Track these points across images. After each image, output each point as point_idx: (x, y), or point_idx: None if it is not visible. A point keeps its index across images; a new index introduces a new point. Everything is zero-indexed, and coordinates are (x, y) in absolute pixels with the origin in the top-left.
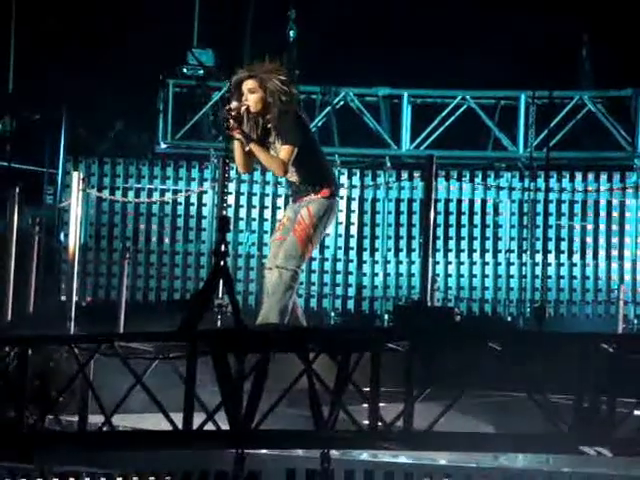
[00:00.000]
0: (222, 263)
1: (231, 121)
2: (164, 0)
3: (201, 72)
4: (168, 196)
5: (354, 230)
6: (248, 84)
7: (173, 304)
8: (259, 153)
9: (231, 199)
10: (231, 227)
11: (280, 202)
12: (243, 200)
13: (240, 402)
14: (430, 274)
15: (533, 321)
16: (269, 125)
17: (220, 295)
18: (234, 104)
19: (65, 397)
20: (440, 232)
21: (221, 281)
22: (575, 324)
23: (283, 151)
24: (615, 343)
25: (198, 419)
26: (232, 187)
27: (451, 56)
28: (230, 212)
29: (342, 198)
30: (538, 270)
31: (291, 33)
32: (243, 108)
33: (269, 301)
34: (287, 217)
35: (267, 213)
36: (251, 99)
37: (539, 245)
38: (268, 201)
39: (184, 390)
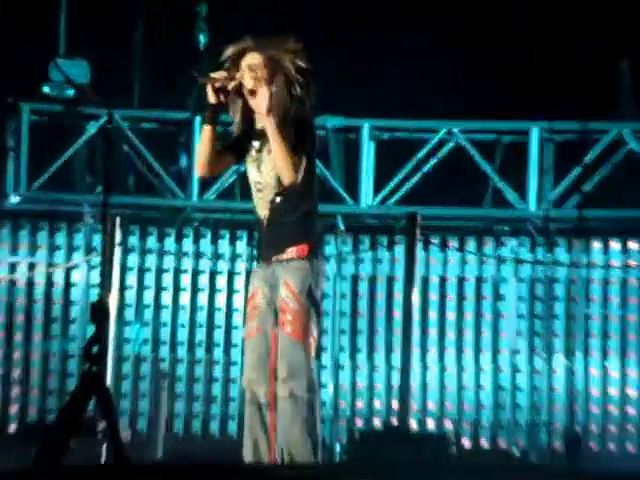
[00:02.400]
0: (94, 369)
1: (208, 87)
2: None
3: (70, 92)
4: (21, 272)
5: None
6: (251, 58)
7: (28, 430)
8: (275, 133)
9: (114, 277)
10: (112, 317)
11: (186, 280)
12: (131, 278)
13: None
14: (395, 384)
15: (556, 456)
16: (259, 125)
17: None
18: (221, 73)
19: None
20: (415, 324)
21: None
22: (612, 463)
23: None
24: None
25: None
26: (115, 259)
27: (432, 73)
28: (112, 296)
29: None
30: (558, 381)
31: (201, 37)
32: (233, 83)
33: (291, 438)
34: (260, 295)
35: (166, 297)
36: (248, 78)
37: (559, 344)
38: (168, 279)
39: None
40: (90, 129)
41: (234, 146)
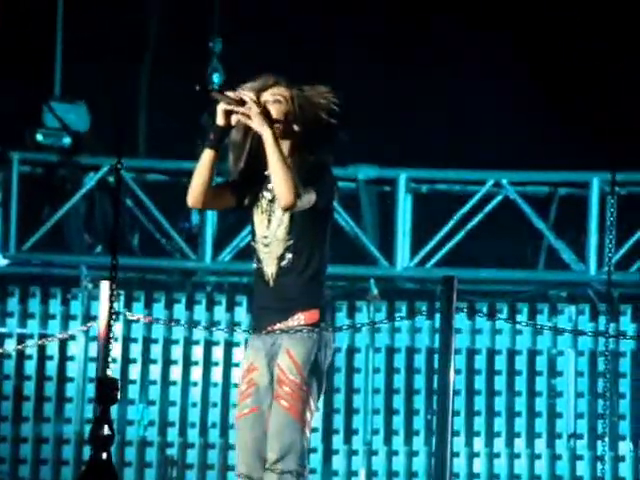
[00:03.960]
0: (103, 456)
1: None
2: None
3: (67, 140)
4: (9, 345)
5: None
6: (275, 91)
7: None
8: (278, 155)
9: (116, 349)
10: (118, 395)
11: (198, 353)
12: (136, 351)
13: None
14: (448, 474)
15: None
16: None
17: None
18: (238, 93)
19: None
20: (460, 403)
21: None
22: None
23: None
24: None
25: None
26: (117, 329)
27: (476, 117)
28: (115, 371)
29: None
30: (625, 470)
31: (215, 77)
32: (253, 107)
33: None
34: (259, 370)
35: (175, 372)
36: (272, 109)
37: (625, 427)
38: (177, 352)
39: None
40: (89, 181)
41: (236, 188)
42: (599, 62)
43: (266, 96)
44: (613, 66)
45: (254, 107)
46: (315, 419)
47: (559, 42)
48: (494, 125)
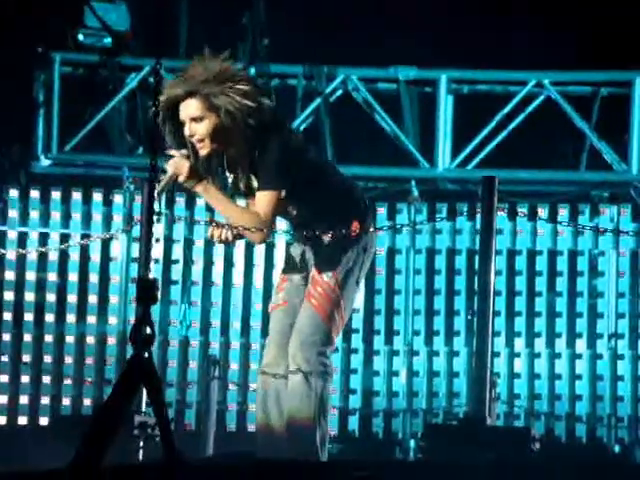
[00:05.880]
0: (144, 355)
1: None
2: None
3: (108, 40)
4: (52, 244)
5: (359, 301)
6: (189, 108)
7: (61, 423)
8: (222, 206)
9: (158, 249)
10: (159, 295)
11: (239, 254)
12: (177, 251)
13: None
14: (487, 373)
15: None
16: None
17: (142, 409)
18: (167, 177)
19: None
20: (501, 304)
21: (142, 385)
22: None
23: (259, 201)
24: None
25: None
26: (159, 229)
27: (516, 16)
28: (157, 271)
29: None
30: None
31: None
32: (185, 170)
33: (292, 422)
34: (292, 264)
35: (217, 271)
36: (198, 131)
37: None
38: (219, 252)
39: None
40: (130, 82)
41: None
42: None
43: (183, 115)
44: None
45: (181, 175)
46: (356, 320)
47: None
48: (536, 25)
